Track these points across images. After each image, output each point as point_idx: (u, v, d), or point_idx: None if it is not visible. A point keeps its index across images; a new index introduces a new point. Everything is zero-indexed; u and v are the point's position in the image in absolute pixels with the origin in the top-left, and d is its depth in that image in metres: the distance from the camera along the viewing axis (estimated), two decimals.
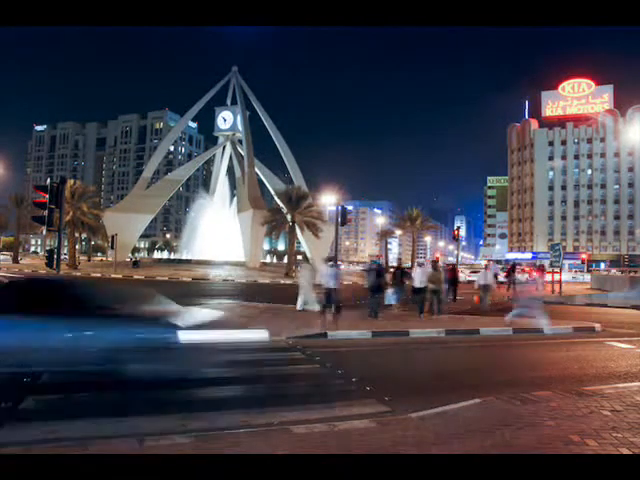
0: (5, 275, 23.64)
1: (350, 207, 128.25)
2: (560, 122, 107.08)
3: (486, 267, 20.29)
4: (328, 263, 15.06)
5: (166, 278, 36.96)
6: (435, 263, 16.97)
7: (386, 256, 74.67)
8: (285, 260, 61.41)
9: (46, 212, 13.47)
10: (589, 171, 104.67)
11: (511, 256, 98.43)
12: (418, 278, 15.43)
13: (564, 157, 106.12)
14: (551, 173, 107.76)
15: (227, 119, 71.45)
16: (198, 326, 6.59)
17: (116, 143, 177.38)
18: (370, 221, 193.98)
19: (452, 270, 19.34)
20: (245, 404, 5.94)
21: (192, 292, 24.15)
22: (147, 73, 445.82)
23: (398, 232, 73.36)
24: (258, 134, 74.69)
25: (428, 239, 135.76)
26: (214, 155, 75.48)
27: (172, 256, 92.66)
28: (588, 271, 63.88)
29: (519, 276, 27.79)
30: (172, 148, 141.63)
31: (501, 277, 28.39)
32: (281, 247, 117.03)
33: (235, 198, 66.02)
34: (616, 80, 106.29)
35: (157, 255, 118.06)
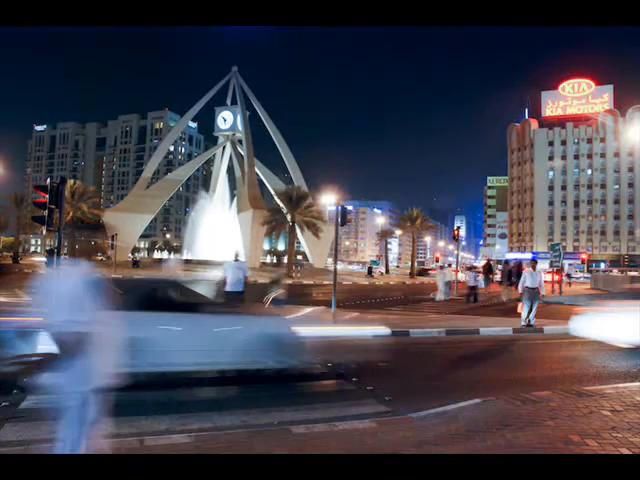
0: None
1: (350, 207, 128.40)
2: (560, 122, 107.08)
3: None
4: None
5: None
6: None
7: (386, 256, 74.70)
8: (285, 260, 61.40)
9: (46, 212, 13.44)
10: (589, 171, 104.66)
11: (511, 256, 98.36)
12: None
13: (564, 157, 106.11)
14: (551, 173, 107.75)
15: (227, 119, 71.54)
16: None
17: (116, 143, 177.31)
18: (370, 221, 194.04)
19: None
20: (245, 403, 5.94)
21: None
22: (147, 73, 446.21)
23: (398, 232, 73.33)
24: (258, 134, 74.78)
25: (428, 239, 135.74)
26: (214, 155, 75.59)
27: (172, 256, 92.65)
28: (588, 271, 63.90)
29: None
30: (172, 148, 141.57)
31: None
32: (281, 247, 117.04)
33: (235, 198, 66.09)
34: (616, 80, 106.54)
35: (157, 255, 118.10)
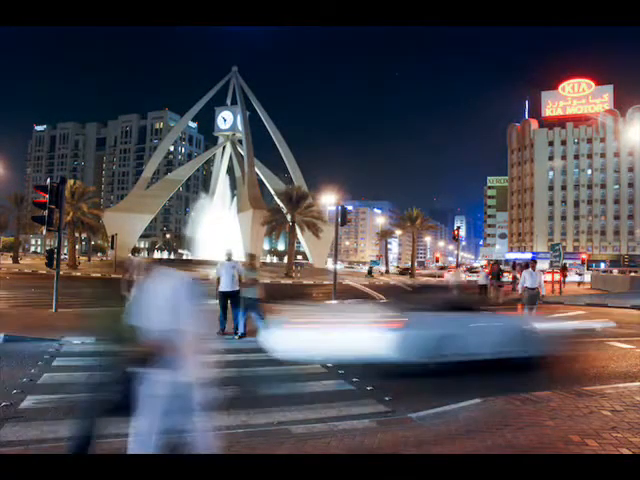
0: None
1: (350, 207, 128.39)
2: (560, 122, 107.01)
3: (533, 267, 14.02)
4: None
5: None
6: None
7: (386, 256, 74.68)
8: (285, 260, 61.40)
9: (46, 212, 13.46)
10: (589, 171, 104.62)
11: (511, 256, 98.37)
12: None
13: (564, 157, 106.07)
14: (551, 173, 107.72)
15: (227, 119, 71.49)
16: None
17: (116, 143, 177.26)
18: (370, 221, 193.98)
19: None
20: (245, 403, 5.93)
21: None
22: (147, 73, 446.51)
23: (398, 232, 73.31)
24: (258, 134, 74.79)
25: (428, 239, 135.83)
26: (214, 155, 75.55)
27: (172, 256, 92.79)
28: (588, 268, 63.87)
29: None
30: (172, 148, 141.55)
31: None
32: (281, 247, 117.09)
33: (235, 198, 66.12)
34: (616, 80, 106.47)
35: (157, 255, 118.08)
